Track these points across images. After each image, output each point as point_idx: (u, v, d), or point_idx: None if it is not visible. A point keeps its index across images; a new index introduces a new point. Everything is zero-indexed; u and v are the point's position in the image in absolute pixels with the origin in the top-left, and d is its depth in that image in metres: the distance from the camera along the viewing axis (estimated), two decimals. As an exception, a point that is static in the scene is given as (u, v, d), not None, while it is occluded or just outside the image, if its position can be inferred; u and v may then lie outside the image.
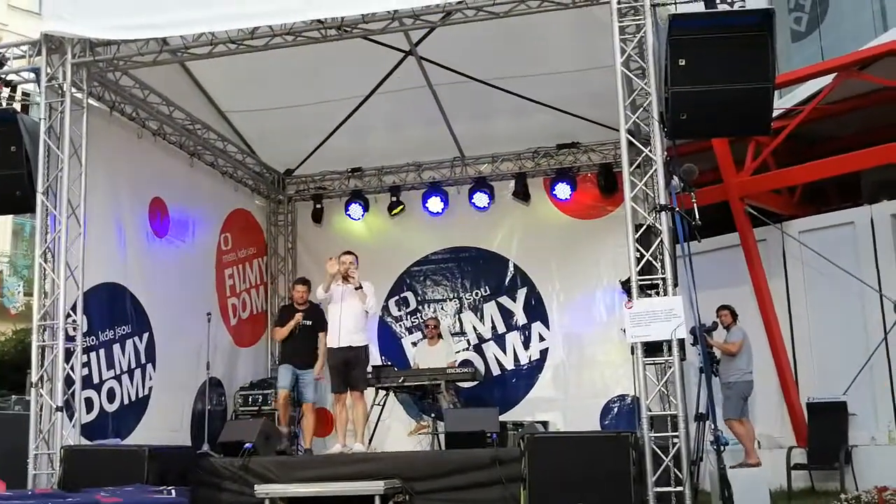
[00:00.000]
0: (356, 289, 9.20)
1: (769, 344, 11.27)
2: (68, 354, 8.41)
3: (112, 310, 9.76)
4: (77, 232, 8.60)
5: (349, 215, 13.01)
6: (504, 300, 12.57)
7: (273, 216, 13.64)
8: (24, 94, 9.24)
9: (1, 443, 9.09)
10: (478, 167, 12.74)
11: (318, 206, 13.25)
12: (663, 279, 7.34)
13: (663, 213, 7.40)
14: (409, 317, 12.95)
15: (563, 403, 11.85)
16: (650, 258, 7.41)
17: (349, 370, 9.20)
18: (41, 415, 8.30)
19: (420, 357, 11.82)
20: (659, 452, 6.93)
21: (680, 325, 7.12)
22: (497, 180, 12.67)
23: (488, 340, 12.52)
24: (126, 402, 9.84)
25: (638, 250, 7.44)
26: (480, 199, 12.52)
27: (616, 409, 11.59)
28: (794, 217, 11.96)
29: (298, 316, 10.23)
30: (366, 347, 9.36)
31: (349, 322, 9.19)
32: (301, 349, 10.23)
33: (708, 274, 9.22)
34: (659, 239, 7.41)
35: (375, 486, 7.56)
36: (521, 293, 12.49)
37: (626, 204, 7.63)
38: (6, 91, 8.90)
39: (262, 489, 7.90)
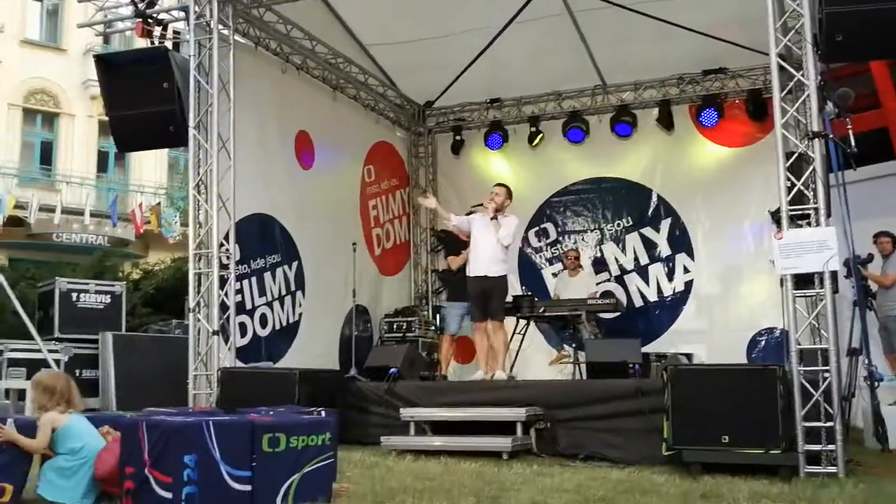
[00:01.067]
0: (491, 219, 9.20)
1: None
2: (222, 282, 8.75)
3: (263, 239, 10.11)
4: (228, 165, 8.88)
5: (488, 146, 13.02)
6: (647, 231, 12.38)
7: (414, 148, 13.78)
8: (174, 31, 9.49)
9: (164, 364, 9.63)
10: (620, 95, 12.48)
11: (458, 137, 13.31)
12: (815, 209, 7.03)
13: (816, 140, 7.07)
14: (549, 248, 12.92)
15: (709, 336, 11.65)
16: (801, 187, 7.11)
17: (487, 300, 9.25)
18: (199, 338, 8.70)
19: (561, 288, 11.80)
20: (808, 387, 6.72)
21: (832, 257, 6.83)
22: (640, 108, 12.39)
23: (630, 272, 12.38)
24: (277, 327, 10.23)
25: (789, 179, 7.15)
26: (623, 128, 12.29)
27: (764, 343, 11.32)
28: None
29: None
30: (503, 278, 9.34)
31: (486, 251, 9.21)
32: None
33: (863, 204, 8.78)
34: (811, 167, 7.09)
35: (517, 413, 7.64)
36: (665, 224, 12.27)
37: (776, 131, 7.31)
38: (158, 29, 9.17)
39: (407, 412, 8.11)
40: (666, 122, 12.11)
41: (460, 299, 10.39)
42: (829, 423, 6.63)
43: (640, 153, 12.51)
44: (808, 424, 6.64)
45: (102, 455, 5.25)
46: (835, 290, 7.03)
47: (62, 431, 5.30)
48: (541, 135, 12.76)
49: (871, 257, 9.45)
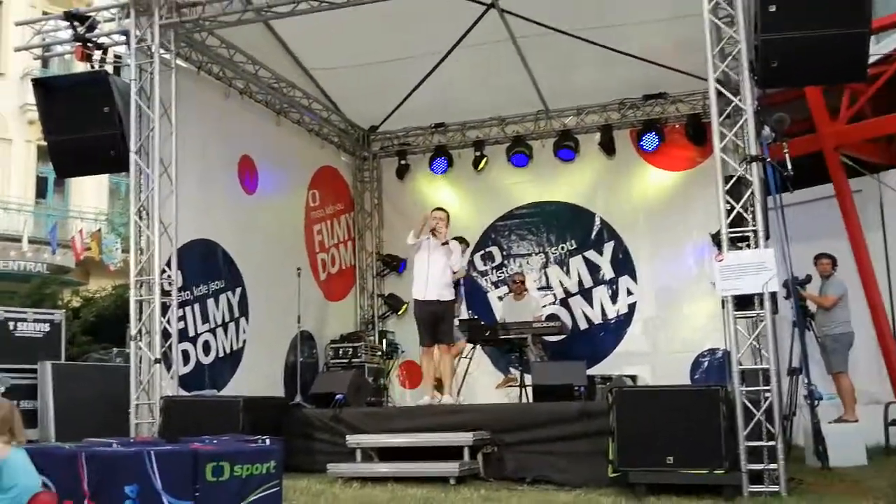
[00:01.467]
0: (442, 244, 9.23)
1: (866, 298, 10.90)
2: (164, 308, 8.63)
3: (205, 265, 10.00)
4: (169, 190, 8.79)
5: (433, 170, 13.06)
6: (591, 254, 12.48)
7: (359, 172, 13.77)
8: (115, 55, 9.38)
9: (105, 393, 9.43)
10: (562, 120, 12.61)
11: (403, 162, 13.33)
12: (754, 231, 7.16)
13: (754, 163, 7.21)
14: (494, 271, 12.96)
15: (652, 358, 11.76)
16: (741, 210, 7.23)
17: (437, 324, 9.27)
18: (140, 366, 8.56)
19: (506, 311, 11.82)
20: (750, 406, 6.82)
21: (772, 279, 6.95)
22: (582, 133, 12.53)
23: (575, 294, 12.46)
24: (221, 354, 10.11)
25: (728, 202, 7.27)
26: (565, 152, 12.41)
27: (706, 364, 11.45)
28: (892, 167, 11.51)
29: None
30: (452, 302, 9.41)
31: (437, 276, 9.27)
32: None
33: (801, 226, 8.96)
34: (750, 190, 7.22)
35: (464, 438, 7.63)
36: (608, 247, 12.38)
37: (715, 155, 7.45)
38: (98, 53, 9.05)
39: (353, 439, 8.06)
40: (608, 146, 12.24)
41: None
42: (771, 442, 6.73)
43: (583, 177, 12.63)
44: (750, 444, 6.73)
45: None
46: (775, 311, 7.15)
47: (2, 464, 5.08)
48: (485, 159, 12.84)
49: (809, 278, 9.63)
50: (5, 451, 4.96)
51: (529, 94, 12.08)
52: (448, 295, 9.36)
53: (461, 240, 10.01)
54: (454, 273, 9.48)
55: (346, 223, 13.36)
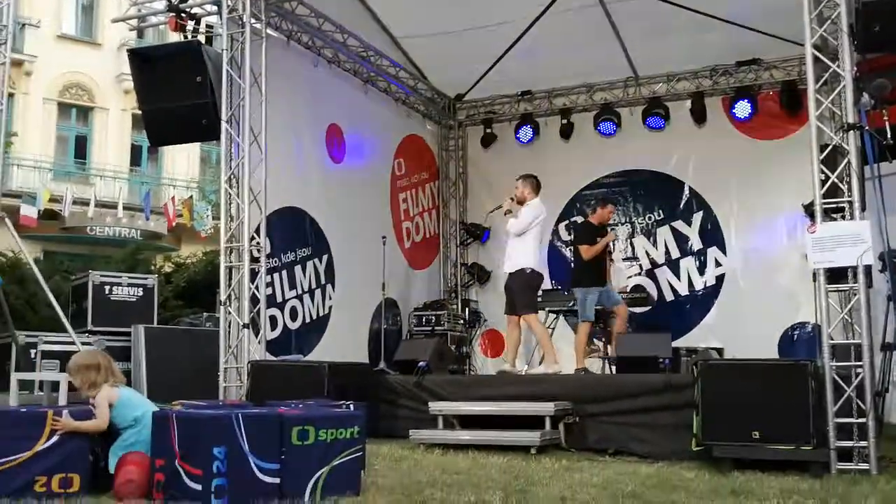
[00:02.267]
0: (505, 213, 9.38)
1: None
2: (253, 275, 8.81)
3: (293, 232, 10.17)
4: (259, 158, 8.93)
5: (519, 139, 12.98)
6: (678, 224, 12.32)
7: (444, 141, 13.80)
8: (207, 26, 9.56)
9: (195, 357, 9.72)
10: (652, 87, 12.42)
11: (489, 130, 13.31)
12: (850, 202, 6.95)
13: (851, 131, 6.98)
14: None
15: (740, 330, 11.52)
16: (836, 180, 7.03)
17: (510, 295, 9.32)
18: (230, 331, 8.77)
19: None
20: (841, 382, 6.66)
21: (867, 251, 6.75)
22: (672, 100, 12.32)
23: (661, 265, 12.33)
24: (307, 320, 10.30)
25: (823, 172, 7.07)
26: (655, 120, 12.23)
27: (796, 338, 11.24)
28: None
29: (612, 234, 10.43)
30: (519, 272, 9.23)
31: (507, 247, 9.43)
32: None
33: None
34: (846, 160, 7.01)
35: (546, 407, 7.64)
36: (697, 217, 12.20)
37: (811, 123, 7.24)
38: (190, 23, 9.24)
39: (435, 406, 8.14)
40: (698, 114, 12.02)
41: (595, 285, 10.05)
42: (862, 420, 6.57)
43: (672, 146, 12.43)
44: (839, 420, 6.58)
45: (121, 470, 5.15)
46: (869, 285, 6.95)
47: (119, 403, 5.31)
48: (571, 127, 12.72)
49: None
50: (116, 392, 5.26)
51: (618, 60, 11.92)
52: (511, 266, 9.27)
53: (529, 177, 9.66)
54: (517, 237, 9.29)
55: (431, 192, 13.43)
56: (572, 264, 10.83)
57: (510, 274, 9.30)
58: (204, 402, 6.08)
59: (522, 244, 9.26)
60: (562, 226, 12.95)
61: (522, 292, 9.28)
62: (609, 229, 10.65)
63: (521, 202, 9.34)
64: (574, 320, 11.28)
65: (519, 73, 12.38)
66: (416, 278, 12.81)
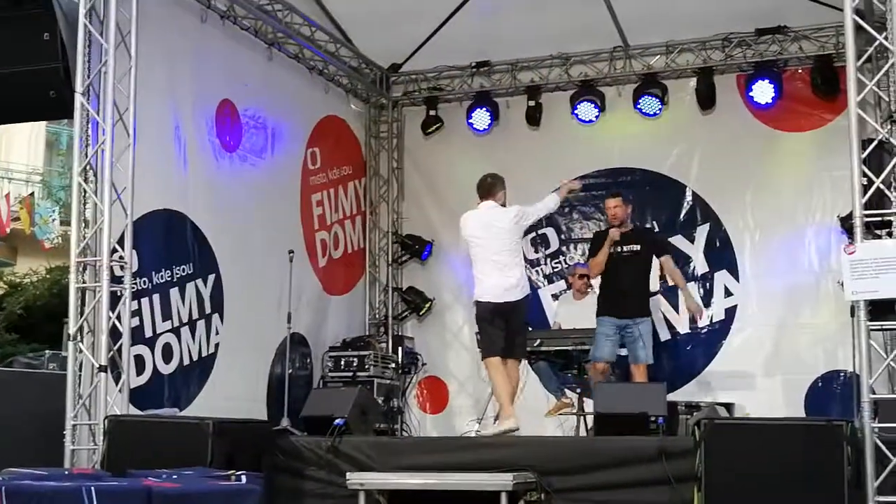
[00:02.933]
0: None
1: None
2: (114, 300, 8.66)
3: (169, 244, 10.05)
4: (126, 144, 8.81)
5: (472, 125, 13.02)
6: (678, 240, 12.43)
7: (374, 126, 13.80)
8: (58, -35, 9.45)
9: (34, 409, 9.50)
10: (646, 60, 12.56)
11: (432, 112, 13.33)
12: (899, 215, 7.10)
13: (902, 124, 7.14)
14: (549, 260, 12.96)
15: (755, 380, 11.69)
16: (881, 186, 7.17)
17: (509, 329, 9.52)
18: (80, 375, 8.60)
19: (563, 314, 11.81)
20: (884, 449, 6.77)
21: (920, 279, 6.89)
22: (672, 78, 12.48)
23: (655, 294, 12.40)
24: (186, 362, 10.16)
25: (865, 175, 7.20)
26: (649, 103, 12.32)
27: (827, 390, 11.39)
28: None
29: (613, 232, 10.48)
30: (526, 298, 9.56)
31: (503, 261, 9.52)
32: (628, 289, 10.51)
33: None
34: (895, 160, 7.15)
35: (502, 480, 7.60)
36: (702, 231, 12.35)
37: (850, 111, 7.36)
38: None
39: (355, 478, 8.04)
40: (706, 96, 12.17)
41: (606, 314, 10.43)
42: (913, 498, 6.68)
43: (671, 137, 12.59)
44: (882, 499, 6.68)
45: None
46: (922, 323, 7.10)
47: None
48: (541, 110, 12.80)
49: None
50: None
51: (603, 23, 12.02)
52: (520, 290, 9.51)
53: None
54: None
55: (356, 192, 13.41)
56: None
57: (517, 301, 9.38)
58: (44, 470, 5.98)
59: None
60: (526, 240, 12.95)
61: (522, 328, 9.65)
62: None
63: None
64: (541, 365, 11.35)
65: (473, 37, 12.43)
66: (332, 307, 12.75)
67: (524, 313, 9.62)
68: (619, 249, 10.54)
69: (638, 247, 10.55)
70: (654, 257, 10.81)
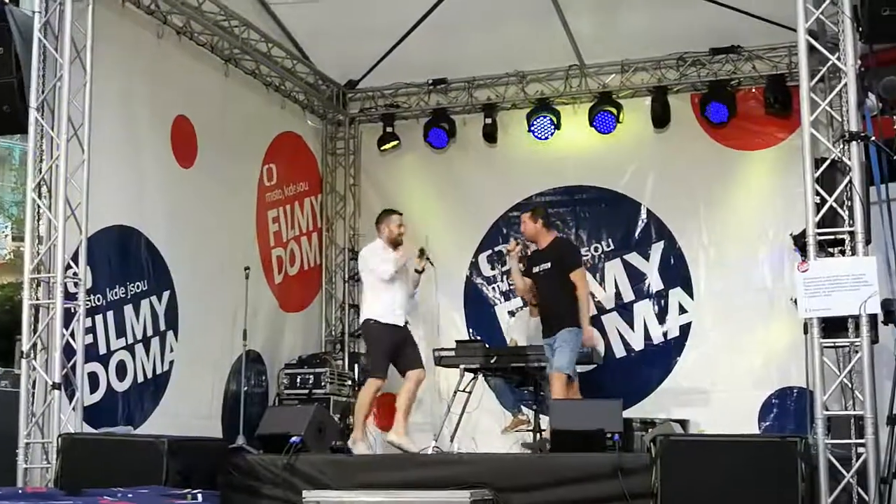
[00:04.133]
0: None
1: None
2: (68, 317, 8.60)
3: (124, 261, 9.99)
4: (81, 159, 8.77)
5: (430, 142, 13.03)
6: (633, 258, 12.50)
7: (330, 142, 13.78)
8: (14, -20, 9.39)
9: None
10: (602, 79, 12.62)
11: (389, 129, 13.33)
12: (851, 233, 7.17)
13: (854, 142, 7.20)
14: (505, 277, 12.94)
15: (710, 397, 11.73)
16: (834, 204, 7.24)
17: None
18: (34, 393, 8.53)
19: (519, 331, 11.82)
20: (838, 466, 6.82)
21: (872, 296, 6.95)
22: (628, 97, 12.55)
23: (610, 311, 12.46)
24: (140, 379, 10.09)
25: (818, 193, 7.27)
26: (604, 121, 12.39)
27: (780, 407, 11.46)
28: None
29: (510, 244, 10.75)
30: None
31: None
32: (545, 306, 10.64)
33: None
34: (847, 178, 7.23)
35: (459, 497, 7.61)
36: (657, 249, 12.40)
37: (803, 130, 7.45)
38: (-9, -24, 9.07)
39: (311, 496, 8.02)
40: (660, 115, 12.23)
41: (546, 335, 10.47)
42: (865, 513, 6.73)
43: (626, 155, 12.63)
44: (836, 514, 6.73)
45: None
46: (874, 340, 7.15)
47: None
48: (497, 128, 12.84)
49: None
50: None
51: (559, 42, 12.07)
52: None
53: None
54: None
55: (312, 209, 13.38)
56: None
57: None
58: (-4, 489, 5.91)
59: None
60: (483, 257, 13.01)
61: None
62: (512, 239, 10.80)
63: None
64: (497, 382, 11.36)
65: (430, 55, 12.46)
66: (288, 324, 12.71)
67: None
68: (533, 270, 10.64)
69: (549, 265, 10.49)
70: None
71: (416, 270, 10.50)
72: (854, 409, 7.07)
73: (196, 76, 11.15)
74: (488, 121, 12.87)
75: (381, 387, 10.27)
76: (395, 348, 10.19)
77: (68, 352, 8.56)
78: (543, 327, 10.51)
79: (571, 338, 10.10)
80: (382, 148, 13.37)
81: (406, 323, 10.41)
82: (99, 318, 9.59)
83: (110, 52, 9.43)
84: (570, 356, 10.06)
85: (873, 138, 7.23)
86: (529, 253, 10.71)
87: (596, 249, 12.65)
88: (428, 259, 10.56)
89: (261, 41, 11.85)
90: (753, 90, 12.09)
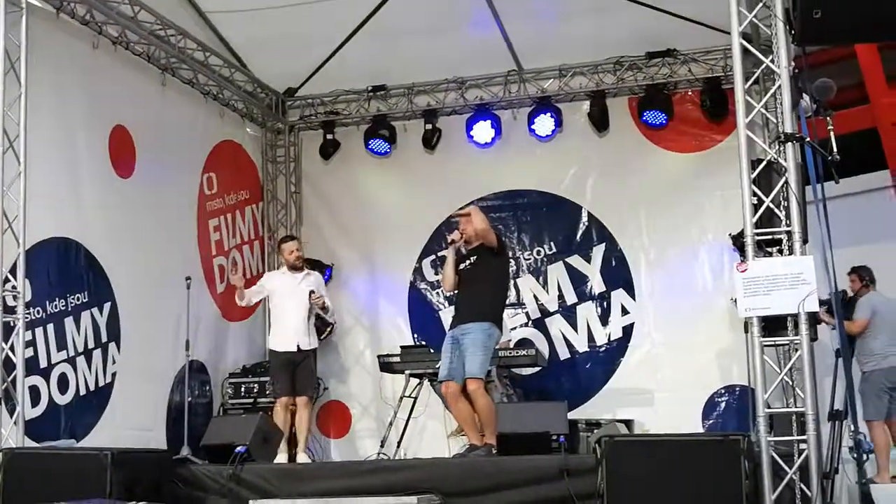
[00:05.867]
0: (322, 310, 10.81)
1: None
2: (7, 330, 8.52)
3: (63, 273, 9.88)
4: (17, 171, 8.68)
5: (371, 149, 13.04)
6: (575, 260, 12.57)
7: (271, 150, 13.73)
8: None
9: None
10: (540, 83, 12.68)
11: (330, 136, 13.32)
12: (788, 232, 7.24)
13: (789, 143, 7.28)
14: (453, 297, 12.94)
15: (653, 397, 11.83)
16: (771, 205, 7.31)
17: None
18: (-27, 408, 8.44)
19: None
20: (781, 462, 6.89)
21: (811, 295, 7.03)
22: (566, 101, 12.63)
23: (554, 313, 12.52)
24: (83, 392, 9.99)
25: (755, 194, 7.34)
26: (543, 125, 12.47)
27: (723, 405, 11.61)
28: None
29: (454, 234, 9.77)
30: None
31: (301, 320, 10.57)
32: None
33: (849, 226, 9.08)
34: (783, 179, 7.30)
35: (407, 503, 7.61)
36: (598, 251, 12.48)
37: (739, 132, 7.51)
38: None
39: (258, 506, 8.01)
40: (599, 119, 12.34)
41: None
42: (807, 509, 6.80)
43: (565, 159, 12.72)
44: (780, 511, 6.79)
45: None
46: (813, 338, 7.23)
47: None
48: (438, 133, 12.86)
49: (844, 294, 9.82)
50: None
51: (497, 48, 12.14)
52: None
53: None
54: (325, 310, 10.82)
55: (254, 217, 13.32)
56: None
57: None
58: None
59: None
60: (426, 262, 13.01)
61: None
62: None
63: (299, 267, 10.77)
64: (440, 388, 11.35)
65: (369, 62, 12.46)
66: (231, 333, 12.63)
67: None
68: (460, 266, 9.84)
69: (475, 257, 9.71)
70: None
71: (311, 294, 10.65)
72: (795, 406, 7.12)
73: (133, 86, 11.05)
74: (428, 127, 12.90)
75: (286, 404, 10.56)
76: (288, 372, 10.55)
77: (8, 366, 8.49)
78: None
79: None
80: (326, 157, 13.34)
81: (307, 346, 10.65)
82: (39, 331, 9.49)
83: (45, 62, 9.34)
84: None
85: (808, 139, 7.31)
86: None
87: (538, 253, 12.71)
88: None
89: (198, 50, 11.77)
90: (690, 93, 12.25)
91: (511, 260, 12.35)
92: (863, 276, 10.38)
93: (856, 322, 10.12)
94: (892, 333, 10.25)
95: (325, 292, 10.98)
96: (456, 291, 9.73)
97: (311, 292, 10.52)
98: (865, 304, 10.28)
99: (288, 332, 10.55)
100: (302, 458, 10.33)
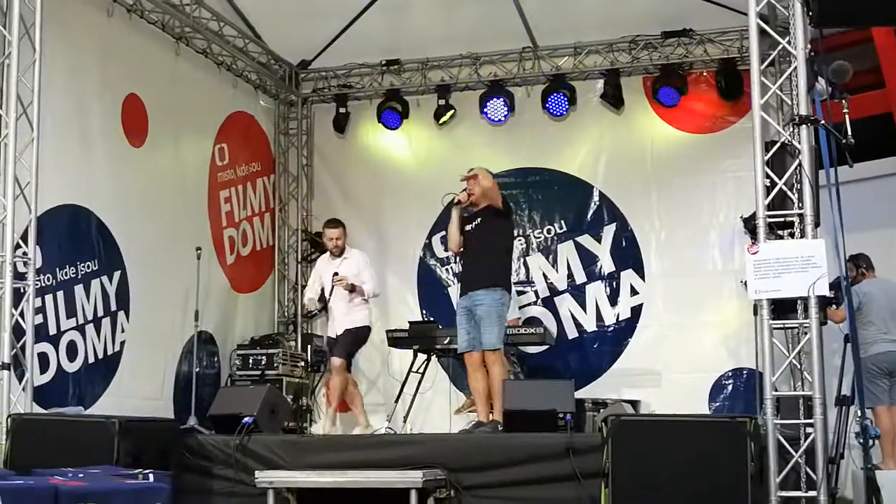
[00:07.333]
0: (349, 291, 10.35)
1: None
2: (17, 297, 8.51)
3: (74, 240, 9.91)
4: (30, 138, 8.65)
5: (383, 123, 13.02)
6: (585, 240, 12.56)
7: (283, 122, 13.73)
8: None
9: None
10: (555, 61, 12.66)
11: (342, 109, 13.31)
12: (800, 216, 7.23)
13: (804, 126, 7.26)
14: (457, 258, 12.94)
15: (661, 378, 11.83)
16: (784, 187, 7.30)
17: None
18: (-18, 374, 8.48)
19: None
20: (787, 445, 6.90)
21: (821, 278, 7.02)
22: (580, 79, 12.60)
23: (563, 292, 12.52)
24: (91, 359, 10.04)
25: (768, 176, 7.32)
26: (557, 103, 12.43)
27: (730, 388, 11.61)
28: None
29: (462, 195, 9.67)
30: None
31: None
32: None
33: (863, 209, 9.06)
34: (797, 162, 7.29)
35: (412, 477, 7.61)
36: (609, 231, 12.47)
37: (753, 114, 7.49)
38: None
39: (264, 476, 8.00)
40: (613, 98, 12.29)
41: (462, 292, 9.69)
42: (812, 493, 6.81)
43: (578, 138, 12.70)
44: (784, 494, 6.80)
45: None
46: (823, 322, 7.23)
47: None
48: (451, 111, 12.85)
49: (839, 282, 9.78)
50: None
51: (513, 25, 12.10)
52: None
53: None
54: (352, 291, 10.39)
55: (265, 189, 13.32)
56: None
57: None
58: (-56, 470, 5.86)
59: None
60: (437, 238, 12.99)
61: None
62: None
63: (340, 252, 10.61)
64: (450, 363, 11.38)
65: (383, 35, 12.45)
66: (241, 305, 12.68)
67: None
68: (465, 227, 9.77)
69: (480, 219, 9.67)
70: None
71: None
72: (803, 390, 7.14)
73: (147, 55, 11.05)
74: (441, 102, 12.87)
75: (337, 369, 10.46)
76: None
77: (18, 332, 8.46)
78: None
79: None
80: (340, 130, 13.32)
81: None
82: (49, 297, 9.53)
83: (60, 30, 9.33)
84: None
85: (823, 122, 7.29)
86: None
87: (549, 231, 12.70)
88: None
89: (212, 20, 11.77)
90: (705, 73, 12.19)
91: (520, 237, 12.43)
92: (858, 264, 10.30)
93: (837, 312, 10.01)
94: (883, 321, 10.20)
95: (364, 271, 10.63)
96: (462, 250, 9.69)
97: (335, 274, 10.37)
98: (853, 295, 10.18)
99: (334, 318, 10.54)
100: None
